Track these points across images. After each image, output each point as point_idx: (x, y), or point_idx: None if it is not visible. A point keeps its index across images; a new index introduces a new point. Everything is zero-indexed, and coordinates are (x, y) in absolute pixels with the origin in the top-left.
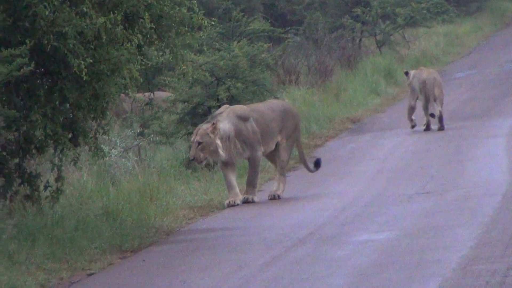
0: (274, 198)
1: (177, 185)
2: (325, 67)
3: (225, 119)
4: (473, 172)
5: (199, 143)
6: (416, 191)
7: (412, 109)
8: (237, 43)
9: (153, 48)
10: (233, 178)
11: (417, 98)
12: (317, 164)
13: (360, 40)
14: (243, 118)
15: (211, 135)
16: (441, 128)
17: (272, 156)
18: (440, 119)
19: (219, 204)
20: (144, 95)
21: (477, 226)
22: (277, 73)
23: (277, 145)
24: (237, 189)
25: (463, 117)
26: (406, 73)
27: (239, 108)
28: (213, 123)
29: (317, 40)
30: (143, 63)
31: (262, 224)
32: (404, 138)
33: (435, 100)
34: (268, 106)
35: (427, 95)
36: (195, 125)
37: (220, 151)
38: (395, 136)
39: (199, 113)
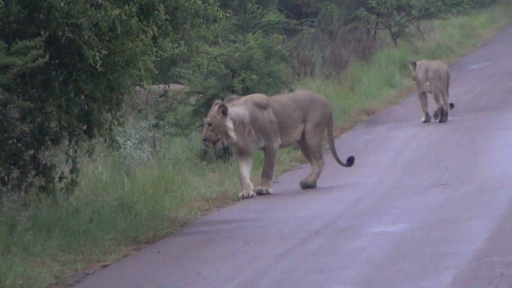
0: (305, 186)
1: (192, 177)
2: (340, 59)
3: (242, 105)
4: (488, 164)
5: (209, 124)
6: (431, 183)
7: (424, 97)
8: (252, 34)
9: (168, 40)
10: (244, 169)
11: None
12: (350, 161)
13: (375, 32)
14: (261, 106)
15: (218, 117)
16: (443, 118)
17: (302, 146)
18: (444, 112)
19: (234, 195)
20: (159, 87)
21: (492, 218)
22: (292, 65)
23: (303, 134)
24: (248, 180)
25: (478, 109)
26: (414, 64)
27: (258, 96)
28: (220, 105)
29: (332, 31)
30: (158, 54)
31: (276, 216)
32: (418, 130)
33: (444, 92)
34: (291, 97)
35: (438, 85)
36: None
37: (231, 134)
38: (410, 128)
39: None
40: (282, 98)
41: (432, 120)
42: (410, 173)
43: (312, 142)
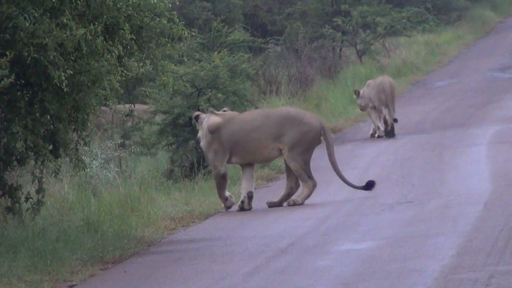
0: (292, 204)
1: (158, 196)
2: (306, 77)
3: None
4: (454, 181)
5: None
6: (398, 200)
7: (374, 114)
8: (218, 53)
9: (133, 59)
10: (243, 181)
11: (373, 107)
12: (370, 185)
13: (341, 49)
14: (209, 131)
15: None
16: (391, 134)
17: (286, 165)
18: (392, 126)
19: (200, 214)
20: (125, 106)
21: (459, 234)
22: (258, 83)
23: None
24: (243, 190)
25: (445, 126)
26: (357, 92)
27: (212, 120)
28: (196, 115)
29: (297, 50)
30: (124, 74)
31: (243, 234)
32: (385, 147)
33: (388, 105)
34: (263, 113)
35: (382, 98)
36: (176, 136)
37: (201, 140)
38: (376, 145)
39: (179, 123)
40: (250, 114)
41: (375, 136)
42: (377, 190)
43: (292, 165)
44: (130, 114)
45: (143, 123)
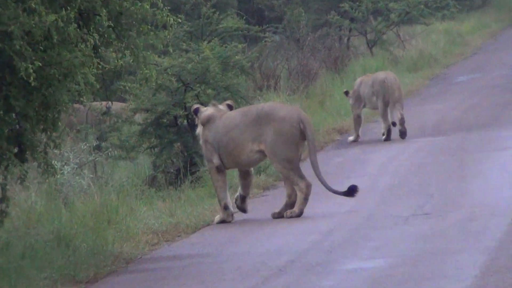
0: (289, 216)
1: (139, 206)
2: (308, 71)
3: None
4: (478, 190)
5: None
6: (413, 212)
7: (359, 119)
8: (207, 43)
9: (111, 49)
10: (239, 188)
11: (363, 106)
12: (352, 190)
13: (349, 39)
14: (201, 122)
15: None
16: (403, 134)
17: None
18: (402, 123)
19: (187, 227)
20: (101, 104)
21: (483, 251)
22: (254, 78)
23: None
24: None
25: (467, 127)
26: (346, 93)
27: (205, 111)
28: (195, 108)
29: (299, 39)
30: (100, 66)
31: (236, 251)
32: (399, 151)
33: (394, 104)
34: (241, 111)
35: (386, 98)
36: (159, 137)
37: (200, 137)
38: (388, 149)
39: (163, 123)
40: (234, 112)
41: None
42: (389, 201)
43: (275, 166)
44: (107, 112)
45: (121, 123)
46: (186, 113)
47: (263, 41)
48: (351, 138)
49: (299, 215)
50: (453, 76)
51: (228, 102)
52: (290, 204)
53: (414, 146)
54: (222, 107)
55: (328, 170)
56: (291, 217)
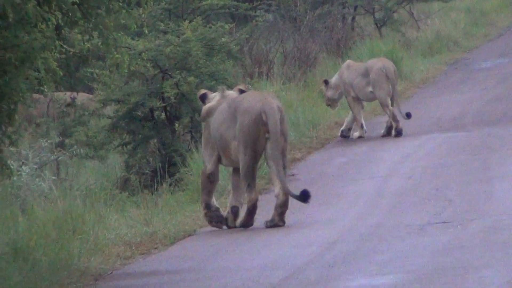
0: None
1: (109, 214)
2: (307, 55)
3: None
4: (505, 195)
5: None
6: (429, 220)
7: (358, 104)
8: (189, 23)
9: (76, 30)
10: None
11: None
12: (305, 196)
13: (353, 18)
14: (201, 118)
15: None
16: (398, 133)
17: None
18: (399, 128)
19: (164, 238)
20: (65, 94)
21: (510, 266)
22: (243, 63)
23: None
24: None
25: (492, 121)
26: (326, 82)
27: (213, 97)
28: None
29: (295, 18)
30: (63, 50)
31: (223, 265)
32: (412, 149)
33: (394, 97)
34: (226, 105)
35: (386, 87)
36: (132, 133)
37: None
38: (400, 147)
39: (137, 116)
40: (225, 104)
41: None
42: (401, 207)
43: (240, 165)
44: (71, 104)
45: (88, 116)
46: (163, 104)
47: (254, 21)
48: (356, 134)
49: (244, 226)
50: (475, 61)
51: (241, 86)
52: (280, 205)
53: (430, 143)
54: (232, 92)
55: (329, 171)
56: (241, 226)
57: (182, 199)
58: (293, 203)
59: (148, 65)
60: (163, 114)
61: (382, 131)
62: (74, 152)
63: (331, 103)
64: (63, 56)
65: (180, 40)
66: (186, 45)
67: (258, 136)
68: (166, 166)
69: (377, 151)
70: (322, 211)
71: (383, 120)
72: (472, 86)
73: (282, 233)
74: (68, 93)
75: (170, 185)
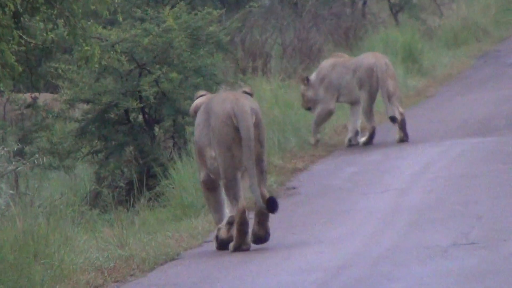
0: (221, 244)
1: (78, 234)
2: (309, 47)
3: None
4: None
5: None
6: (454, 240)
7: (329, 115)
8: (170, 9)
9: (38, 18)
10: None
11: (337, 99)
12: (271, 206)
13: (365, 3)
14: (191, 116)
15: None
16: (404, 138)
17: None
18: (403, 126)
19: (142, 263)
20: (25, 94)
21: None
22: (235, 57)
23: None
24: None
25: None
26: (307, 79)
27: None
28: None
29: (296, 3)
30: (23, 42)
31: None
32: (434, 157)
33: (389, 98)
34: (203, 107)
35: (373, 89)
36: (104, 139)
37: None
38: (420, 154)
39: (110, 119)
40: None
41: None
42: (421, 226)
43: (220, 176)
44: (32, 104)
45: (52, 119)
46: (141, 105)
47: (247, 6)
48: (362, 139)
49: (238, 250)
50: (507, 54)
51: (246, 88)
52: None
53: (455, 150)
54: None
55: (336, 183)
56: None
57: (163, 217)
58: (296, 221)
59: (122, 58)
60: (140, 117)
61: (363, 139)
62: (35, 161)
63: (312, 105)
64: (23, 48)
65: (160, 29)
66: (167, 35)
67: (232, 142)
68: (144, 178)
69: (393, 159)
70: (328, 230)
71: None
72: (504, 83)
73: (281, 256)
74: (28, 93)
75: (149, 200)
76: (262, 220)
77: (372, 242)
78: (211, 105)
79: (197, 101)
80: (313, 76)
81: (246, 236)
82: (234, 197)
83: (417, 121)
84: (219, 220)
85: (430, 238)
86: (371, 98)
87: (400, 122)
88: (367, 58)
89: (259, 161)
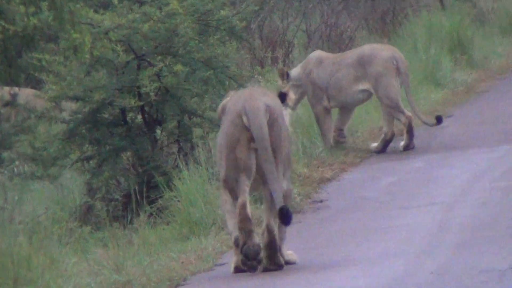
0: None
1: (65, 256)
2: (339, 34)
3: None
4: None
5: None
6: None
7: (328, 117)
8: None
9: (17, 0)
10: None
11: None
12: (284, 217)
13: None
14: (218, 117)
15: None
16: (410, 145)
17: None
18: (410, 130)
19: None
20: (3, 89)
21: None
22: (251, 46)
23: None
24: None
25: None
26: (287, 75)
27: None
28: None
29: None
30: (0, 28)
31: None
32: (488, 165)
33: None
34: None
35: (396, 84)
36: (97, 143)
37: None
38: (471, 161)
39: (104, 120)
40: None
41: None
42: (472, 246)
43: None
44: (11, 102)
45: (35, 120)
46: (140, 103)
47: None
48: (374, 145)
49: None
50: None
51: (285, 90)
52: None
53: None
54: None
55: (371, 196)
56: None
57: (166, 236)
58: (323, 240)
59: (118, 48)
60: (139, 117)
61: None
62: (15, 170)
63: (292, 104)
64: (0, 36)
65: (163, 13)
66: (171, 21)
67: (237, 143)
68: (144, 189)
69: (438, 167)
70: (362, 251)
71: (445, 125)
72: None
73: (306, 281)
74: (6, 89)
75: (150, 215)
76: (270, 255)
77: (415, 265)
78: (228, 104)
79: (223, 101)
80: (294, 71)
81: (250, 234)
82: (234, 196)
83: (467, 121)
84: (233, 230)
85: (484, 260)
86: (397, 94)
87: (408, 127)
88: (382, 50)
89: (282, 167)
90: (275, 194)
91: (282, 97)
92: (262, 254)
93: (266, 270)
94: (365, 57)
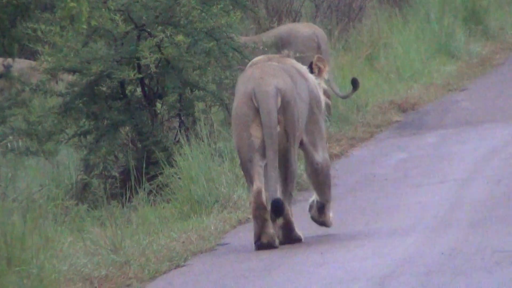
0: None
1: (61, 235)
2: (349, 4)
3: None
4: None
5: None
6: None
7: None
8: None
9: None
10: None
11: None
12: (274, 208)
13: None
14: None
15: None
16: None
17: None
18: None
19: (141, 271)
20: None
21: None
22: (256, 15)
23: None
24: None
25: None
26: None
27: None
28: None
29: None
30: None
31: None
32: (503, 140)
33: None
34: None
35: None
36: (95, 117)
37: None
38: (486, 136)
39: (102, 93)
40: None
41: None
42: (486, 225)
43: None
44: (5, 74)
45: (30, 93)
46: (140, 75)
47: None
48: None
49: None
50: None
51: (319, 62)
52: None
53: None
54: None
55: (381, 172)
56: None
57: (166, 214)
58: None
59: (117, 18)
60: (139, 90)
61: None
62: (8, 145)
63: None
64: None
65: None
66: None
67: (251, 122)
68: (144, 166)
69: (451, 143)
70: (371, 230)
71: (459, 97)
72: None
73: (314, 262)
74: None
75: (150, 193)
76: (286, 234)
77: (426, 245)
78: (238, 81)
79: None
80: None
81: (265, 223)
82: (250, 180)
83: (482, 95)
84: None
85: (497, 240)
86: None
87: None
88: (304, 28)
89: (285, 160)
90: (271, 181)
91: (311, 67)
92: (279, 234)
93: (282, 243)
94: (283, 38)
